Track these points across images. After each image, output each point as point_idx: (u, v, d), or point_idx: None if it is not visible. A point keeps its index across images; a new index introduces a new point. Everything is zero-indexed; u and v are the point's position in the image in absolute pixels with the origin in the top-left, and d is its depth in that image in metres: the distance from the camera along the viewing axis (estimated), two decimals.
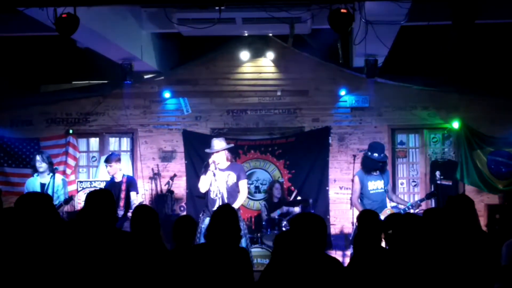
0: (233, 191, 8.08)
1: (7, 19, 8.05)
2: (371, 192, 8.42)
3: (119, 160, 8.82)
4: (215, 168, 8.03)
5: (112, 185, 8.64)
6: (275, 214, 9.40)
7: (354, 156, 10.15)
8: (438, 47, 9.84)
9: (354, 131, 10.70)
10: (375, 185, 8.47)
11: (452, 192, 9.73)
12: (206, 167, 8.15)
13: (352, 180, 8.74)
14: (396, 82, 10.58)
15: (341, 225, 10.42)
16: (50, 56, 10.30)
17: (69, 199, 8.71)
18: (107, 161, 8.78)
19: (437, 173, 9.59)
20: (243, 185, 8.18)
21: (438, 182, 9.44)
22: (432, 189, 9.71)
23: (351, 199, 8.90)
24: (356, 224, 5.89)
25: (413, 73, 10.52)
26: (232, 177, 8.12)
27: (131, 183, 8.74)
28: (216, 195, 8.04)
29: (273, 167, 10.67)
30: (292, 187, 10.47)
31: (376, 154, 8.47)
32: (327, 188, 10.51)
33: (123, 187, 8.60)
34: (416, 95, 10.59)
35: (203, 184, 8.11)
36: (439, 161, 10.43)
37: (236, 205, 7.91)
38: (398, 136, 10.83)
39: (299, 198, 9.68)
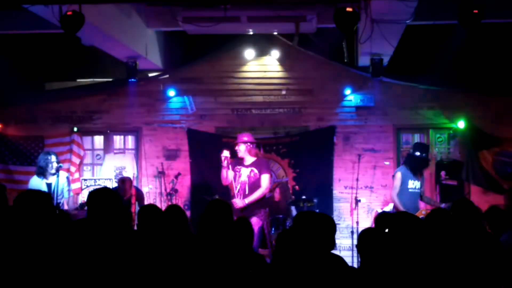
0: (255, 186, 8.05)
1: (12, 16, 8.08)
2: (409, 190, 8.40)
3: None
4: (227, 165, 8.06)
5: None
6: None
7: (359, 155, 10.15)
8: (444, 47, 9.81)
9: (359, 131, 10.66)
10: (414, 184, 8.45)
11: (457, 192, 9.71)
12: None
13: (393, 176, 8.64)
14: (402, 82, 10.54)
15: (345, 225, 10.39)
16: (55, 53, 10.31)
17: (84, 204, 8.67)
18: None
19: (443, 173, 9.57)
20: (264, 179, 8.11)
21: (444, 182, 9.41)
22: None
23: (391, 195, 8.79)
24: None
25: (418, 72, 10.48)
26: (254, 172, 8.12)
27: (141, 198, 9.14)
28: (238, 190, 8.07)
29: (278, 166, 10.64)
30: (297, 186, 10.45)
31: (424, 154, 8.47)
32: (331, 187, 10.50)
33: (133, 200, 8.89)
34: (422, 95, 10.55)
35: (222, 178, 8.20)
36: (445, 161, 10.38)
37: (249, 199, 7.92)
38: (403, 136, 10.80)
39: (303, 197, 9.65)
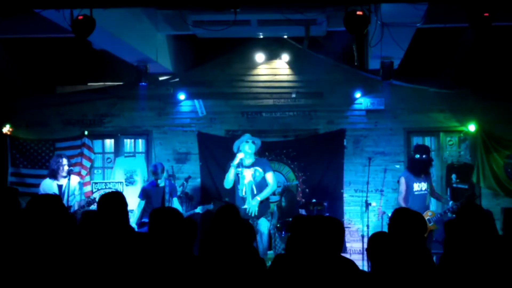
0: (262, 186, 8.18)
1: (24, 20, 8.11)
2: (416, 193, 8.47)
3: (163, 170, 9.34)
4: (238, 165, 8.15)
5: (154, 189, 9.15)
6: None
7: (369, 158, 10.13)
8: (454, 49, 9.76)
9: (369, 134, 10.65)
10: (420, 186, 8.56)
11: (468, 196, 9.67)
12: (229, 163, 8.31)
13: (398, 182, 8.73)
14: (412, 85, 10.52)
15: (356, 228, 10.38)
16: (66, 57, 10.34)
17: (92, 201, 8.73)
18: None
19: (453, 176, 9.53)
20: (270, 177, 8.30)
21: (454, 185, 9.39)
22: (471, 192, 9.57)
23: (397, 200, 8.83)
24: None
25: (429, 75, 10.44)
26: (259, 172, 8.18)
27: (174, 190, 9.30)
28: (246, 193, 8.13)
29: (288, 170, 10.64)
30: (307, 189, 10.44)
31: (424, 156, 8.63)
32: (342, 191, 10.48)
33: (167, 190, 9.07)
34: (432, 98, 10.52)
35: (227, 180, 8.28)
36: (455, 164, 10.34)
37: (261, 196, 8.05)
38: (414, 139, 10.76)
39: (313, 200, 9.65)
